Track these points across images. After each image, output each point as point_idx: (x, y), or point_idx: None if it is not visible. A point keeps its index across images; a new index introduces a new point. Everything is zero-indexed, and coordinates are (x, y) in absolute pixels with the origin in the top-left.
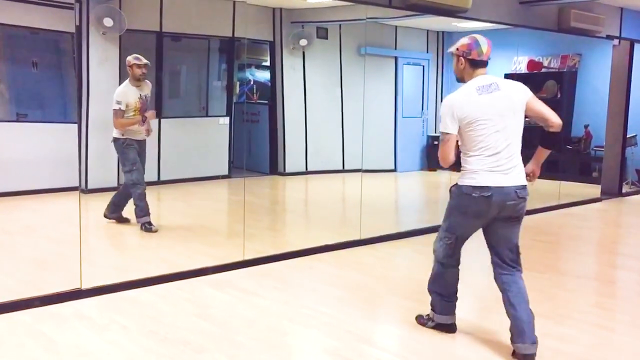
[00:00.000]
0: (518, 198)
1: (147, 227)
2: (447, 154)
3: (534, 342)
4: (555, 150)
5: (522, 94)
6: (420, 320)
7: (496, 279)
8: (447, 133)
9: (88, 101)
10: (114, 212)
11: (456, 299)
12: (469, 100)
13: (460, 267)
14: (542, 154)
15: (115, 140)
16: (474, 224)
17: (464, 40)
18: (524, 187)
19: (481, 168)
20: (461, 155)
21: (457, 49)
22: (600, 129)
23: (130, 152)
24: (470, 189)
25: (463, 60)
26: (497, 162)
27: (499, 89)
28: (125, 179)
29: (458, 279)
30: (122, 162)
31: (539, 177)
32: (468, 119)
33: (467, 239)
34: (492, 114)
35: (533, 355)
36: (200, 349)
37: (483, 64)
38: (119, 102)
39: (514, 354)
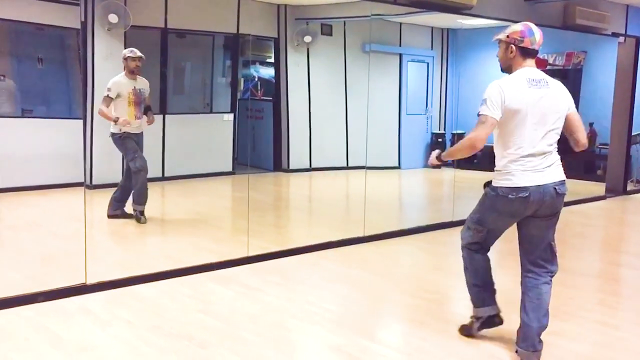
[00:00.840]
0: (557, 195)
1: (139, 215)
2: (481, 138)
3: (536, 350)
4: None
5: (569, 100)
6: (466, 329)
7: (521, 280)
8: (490, 116)
9: (93, 97)
10: (117, 209)
11: (494, 290)
12: (519, 89)
13: (490, 260)
14: None
15: (113, 134)
16: (509, 222)
17: (517, 27)
18: (562, 182)
19: (516, 168)
20: (495, 152)
21: (508, 36)
22: (605, 126)
23: (128, 142)
24: (507, 191)
25: (514, 48)
26: (532, 162)
27: (548, 86)
28: (130, 167)
29: (490, 267)
30: (124, 152)
31: None
32: (514, 109)
33: (499, 235)
34: (537, 111)
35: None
36: (204, 344)
37: (534, 53)
38: (109, 89)
39: (517, 351)
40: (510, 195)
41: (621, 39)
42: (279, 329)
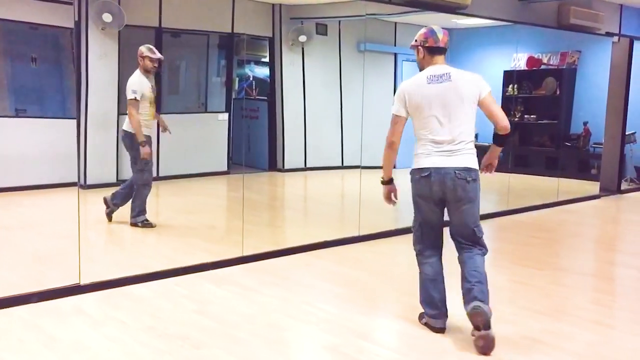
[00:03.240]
0: (457, 178)
1: (146, 222)
2: (392, 134)
3: (483, 301)
4: (500, 145)
5: (475, 88)
6: (420, 316)
7: (458, 258)
8: (397, 115)
9: (87, 97)
10: (115, 206)
11: (444, 309)
12: (418, 89)
13: (437, 266)
14: (495, 150)
15: (128, 135)
16: (427, 207)
17: (421, 31)
18: (466, 169)
19: (423, 152)
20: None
21: (416, 40)
22: (599, 126)
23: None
24: (415, 172)
25: (421, 49)
26: (438, 147)
27: (450, 79)
28: (135, 178)
29: (440, 281)
30: (134, 160)
31: (538, 174)
32: (414, 106)
33: (432, 226)
34: (436, 104)
35: (479, 313)
36: (199, 344)
37: (440, 50)
38: (134, 92)
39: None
40: (416, 175)
41: (615, 38)
42: (274, 329)
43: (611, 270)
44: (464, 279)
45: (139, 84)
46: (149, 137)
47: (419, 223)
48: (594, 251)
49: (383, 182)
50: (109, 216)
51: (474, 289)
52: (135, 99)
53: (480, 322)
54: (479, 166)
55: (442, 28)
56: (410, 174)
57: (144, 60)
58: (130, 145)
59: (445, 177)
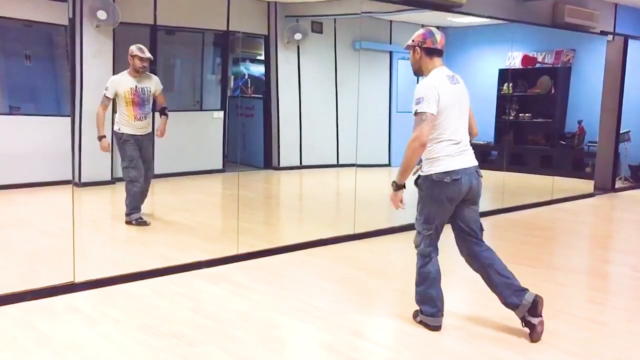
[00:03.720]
0: (478, 176)
1: (140, 221)
2: (424, 134)
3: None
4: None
5: (467, 93)
6: (415, 314)
7: (477, 255)
8: (432, 114)
9: (81, 94)
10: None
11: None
12: (446, 88)
13: (438, 265)
14: None
15: (114, 133)
16: (450, 209)
17: (418, 32)
18: (478, 166)
19: (447, 154)
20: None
21: (413, 40)
22: (594, 124)
23: (127, 147)
24: (442, 176)
25: (419, 50)
26: (460, 148)
27: (459, 82)
28: (123, 175)
29: (439, 279)
30: (121, 157)
31: (533, 173)
32: (443, 105)
33: (443, 227)
34: (455, 104)
35: (541, 300)
36: (194, 342)
37: (438, 52)
38: (106, 89)
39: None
40: (445, 179)
41: (610, 37)
42: (269, 327)
43: (605, 268)
44: (499, 273)
45: (116, 82)
46: (137, 137)
47: (436, 226)
48: (588, 249)
49: (397, 186)
50: (144, 223)
51: (516, 282)
52: (105, 96)
53: (542, 308)
54: None
55: (439, 30)
56: (436, 178)
57: (133, 59)
58: (116, 143)
59: (472, 176)
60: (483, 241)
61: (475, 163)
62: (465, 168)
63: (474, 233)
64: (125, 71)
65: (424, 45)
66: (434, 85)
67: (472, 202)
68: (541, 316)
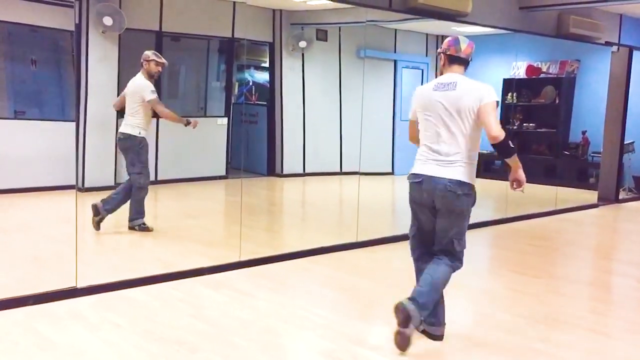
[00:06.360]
0: (447, 191)
1: (143, 227)
2: (410, 137)
3: (415, 300)
4: (504, 157)
5: (473, 99)
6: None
7: (424, 261)
8: (410, 119)
9: (86, 100)
10: (107, 212)
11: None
12: (423, 94)
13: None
14: (509, 164)
15: (130, 137)
16: (419, 212)
17: (447, 39)
18: (458, 182)
19: (419, 158)
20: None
21: (441, 47)
22: (598, 135)
23: (144, 153)
24: (410, 176)
25: (443, 56)
26: (434, 156)
27: (455, 89)
28: (135, 180)
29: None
30: (133, 162)
31: (536, 182)
32: (418, 110)
33: (426, 232)
34: (436, 111)
35: (399, 309)
36: (195, 349)
37: (459, 60)
38: (153, 92)
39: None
40: (409, 180)
41: (614, 48)
42: (270, 334)
43: (608, 279)
44: (417, 280)
45: (152, 85)
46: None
47: (416, 227)
48: (591, 260)
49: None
50: (98, 224)
51: (415, 290)
52: (156, 97)
53: (399, 318)
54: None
55: (469, 39)
56: (407, 178)
57: (149, 63)
58: (130, 147)
59: (437, 186)
60: (437, 257)
61: (453, 177)
62: (432, 176)
63: (434, 243)
64: (141, 75)
65: (447, 52)
66: (415, 93)
67: (442, 213)
68: (400, 327)
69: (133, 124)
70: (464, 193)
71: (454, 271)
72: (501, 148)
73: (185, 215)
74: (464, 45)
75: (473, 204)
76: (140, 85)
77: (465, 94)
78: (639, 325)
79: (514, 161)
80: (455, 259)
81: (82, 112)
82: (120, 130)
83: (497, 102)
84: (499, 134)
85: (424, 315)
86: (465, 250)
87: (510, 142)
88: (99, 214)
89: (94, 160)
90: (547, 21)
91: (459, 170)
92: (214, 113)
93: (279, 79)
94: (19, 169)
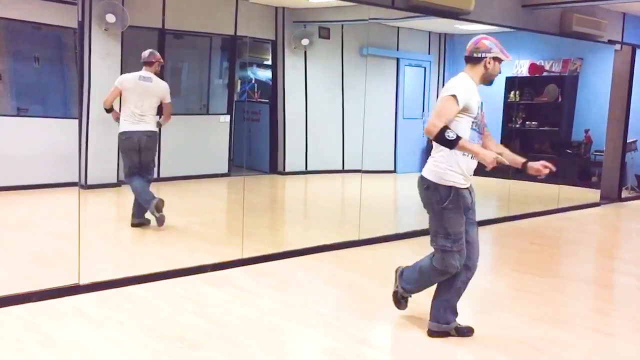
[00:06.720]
0: (422, 184)
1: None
2: (449, 113)
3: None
4: (449, 148)
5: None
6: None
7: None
8: (456, 100)
9: (89, 97)
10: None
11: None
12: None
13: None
14: (475, 156)
15: (155, 134)
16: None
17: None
18: (422, 177)
19: (458, 170)
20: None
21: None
22: (601, 133)
23: (124, 146)
24: (458, 185)
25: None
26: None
27: (445, 86)
28: (150, 174)
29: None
30: (153, 157)
31: (539, 181)
32: (467, 106)
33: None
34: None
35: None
36: (197, 346)
37: (464, 59)
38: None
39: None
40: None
41: (617, 46)
42: (272, 332)
43: (611, 278)
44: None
45: None
46: (136, 133)
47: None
48: (593, 259)
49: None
50: (162, 221)
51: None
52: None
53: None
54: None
55: (487, 35)
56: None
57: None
58: (154, 143)
59: (419, 181)
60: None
61: (424, 172)
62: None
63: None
64: (157, 77)
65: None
66: (470, 86)
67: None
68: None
69: (154, 122)
70: (424, 187)
71: (434, 266)
72: (440, 142)
73: (188, 213)
74: (469, 43)
75: (440, 203)
76: (165, 87)
77: (444, 89)
78: None
79: (467, 149)
80: (436, 253)
81: (85, 110)
82: (145, 128)
83: (454, 95)
84: (429, 127)
85: (402, 284)
86: (447, 256)
87: (446, 134)
88: (142, 222)
89: (97, 158)
90: (549, 19)
91: (427, 166)
92: (216, 111)
93: (282, 76)
94: (22, 166)
